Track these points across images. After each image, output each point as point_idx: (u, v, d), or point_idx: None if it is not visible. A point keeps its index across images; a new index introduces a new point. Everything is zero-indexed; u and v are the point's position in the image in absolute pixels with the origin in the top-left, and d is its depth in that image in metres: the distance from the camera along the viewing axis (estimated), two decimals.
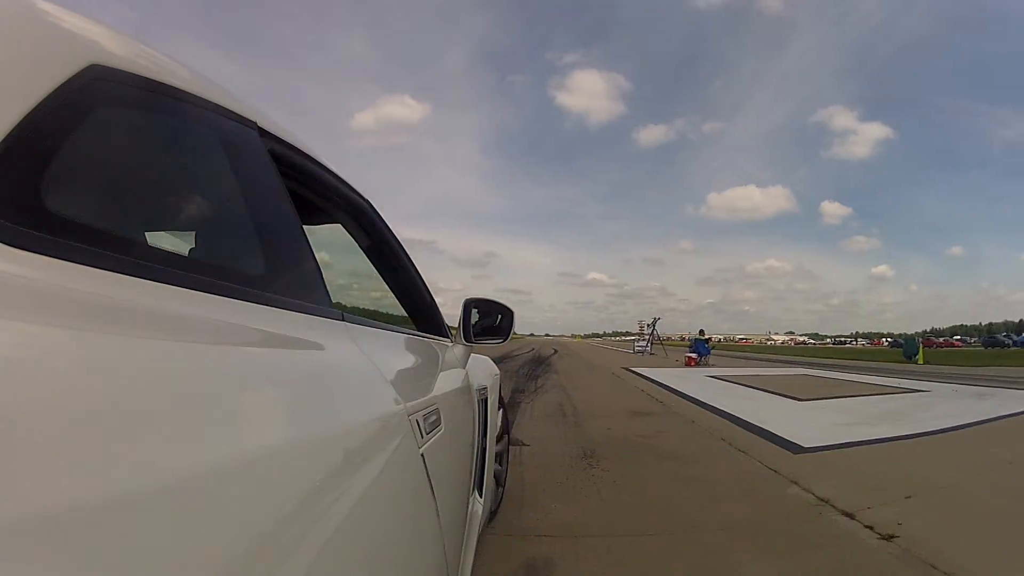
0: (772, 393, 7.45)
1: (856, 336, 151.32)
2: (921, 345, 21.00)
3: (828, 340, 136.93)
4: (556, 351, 26.87)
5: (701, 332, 17.79)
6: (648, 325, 27.70)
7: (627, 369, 12.98)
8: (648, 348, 25.02)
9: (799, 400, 6.72)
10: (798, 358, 23.88)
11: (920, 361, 18.56)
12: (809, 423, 4.90)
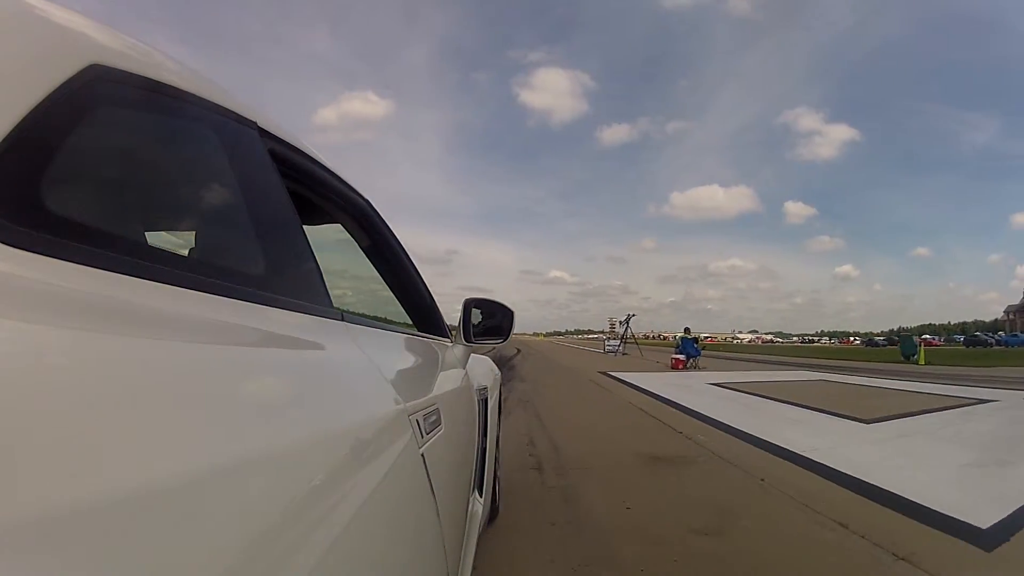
0: (820, 411, 5.71)
1: (822, 335, 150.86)
2: (921, 345, 20.00)
3: (795, 339, 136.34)
4: (519, 351, 24.22)
5: (687, 330, 14.81)
6: (621, 322, 25.26)
7: (607, 374, 10.95)
8: (621, 348, 22.75)
9: (865, 423, 4.97)
10: (785, 358, 21.96)
11: (921, 361, 17.54)
12: (926, 468, 3.27)
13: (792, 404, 6.37)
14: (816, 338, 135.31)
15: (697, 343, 14.94)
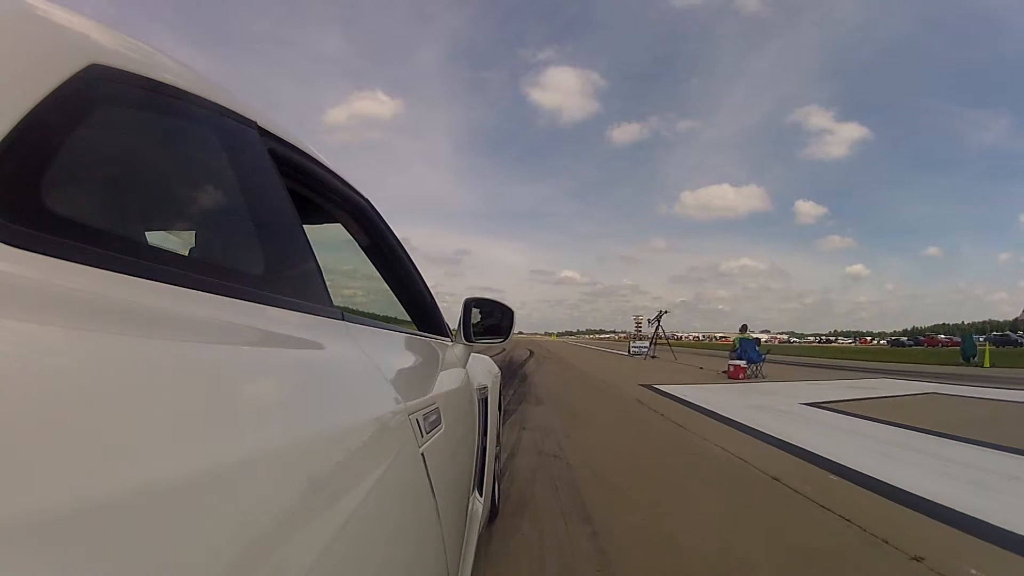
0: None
1: (836, 334, 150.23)
2: (984, 347, 17.95)
3: (810, 338, 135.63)
4: (532, 353, 21.89)
5: (744, 329, 11.65)
6: (650, 320, 21.58)
7: (655, 389, 8.05)
8: (651, 351, 19.90)
9: None
10: (829, 360, 19.10)
11: (986, 364, 15.53)
12: None
13: (971, 443, 4.12)
14: (832, 338, 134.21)
15: (759, 346, 11.55)
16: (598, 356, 23.04)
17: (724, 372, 11.22)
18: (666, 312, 20.99)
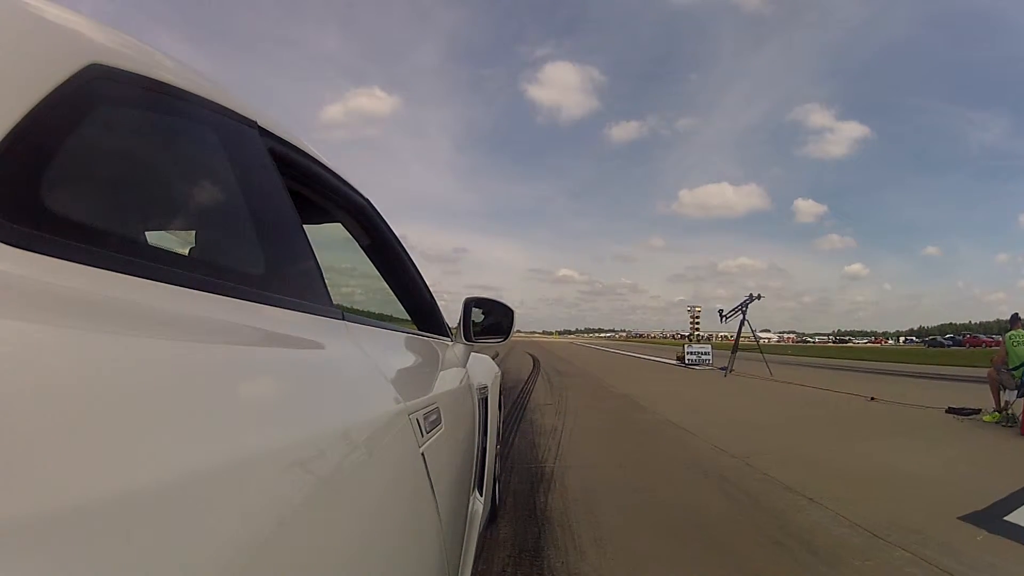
0: None
1: (843, 334, 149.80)
2: None
3: (826, 338, 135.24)
4: (536, 364, 14.70)
5: (1017, 321, 5.22)
6: (724, 315, 13.08)
7: None
8: (729, 363, 11.88)
9: None
10: (966, 372, 10.98)
11: None
12: None
13: None
14: (845, 338, 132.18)
15: None
16: (648, 370, 14.33)
17: (959, 414, 5.67)
18: (758, 297, 12.60)
